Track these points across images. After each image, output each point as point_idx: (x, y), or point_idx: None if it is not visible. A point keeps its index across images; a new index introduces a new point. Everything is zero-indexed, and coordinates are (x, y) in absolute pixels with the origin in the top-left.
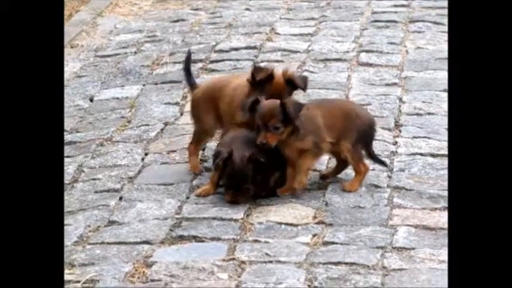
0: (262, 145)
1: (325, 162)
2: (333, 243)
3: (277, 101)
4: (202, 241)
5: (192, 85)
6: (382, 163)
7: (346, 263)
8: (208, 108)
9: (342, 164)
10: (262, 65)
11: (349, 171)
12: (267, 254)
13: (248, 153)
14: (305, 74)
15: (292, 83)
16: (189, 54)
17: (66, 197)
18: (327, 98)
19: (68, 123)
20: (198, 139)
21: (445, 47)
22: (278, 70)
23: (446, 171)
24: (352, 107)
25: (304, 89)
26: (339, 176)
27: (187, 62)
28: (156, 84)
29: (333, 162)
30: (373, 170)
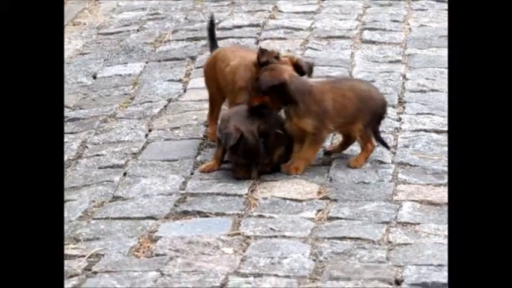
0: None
1: (330, 138)
2: (337, 218)
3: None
4: (207, 216)
5: (212, 49)
6: (385, 145)
7: (351, 238)
8: (212, 78)
9: (348, 141)
10: (267, 48)
11: (353, 148)
12: (271, 229)
13: (254, 126)
14: (310, 59)
15: (299, 68)
16: (211, 19)
17: (70, 173)
18: (342, 76)
19: (71, 100)
20: (210, 106)
21: (447, 24)
22: (282, 53)
23: None
24: (367, 88)
25: (309, 75)
26: (344, 152)
27: (211, 27)
28: (159, 61)
29: (338, 138)
30: (377, 146)
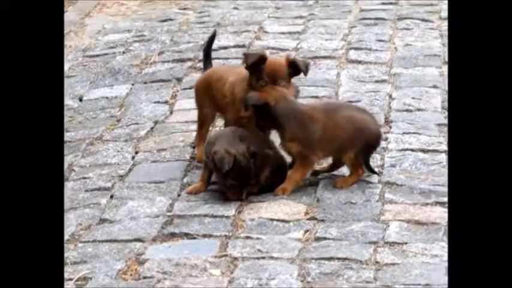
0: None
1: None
2: (325, 238)
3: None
4: (194, 238)
5: (206, 69)
6: (374, 172)
7: (338, 258)
8: (205, 97)
9: (338, 163)
10: (251, 50)
11: (342, 169)
12: (259, 250)
13: (244, 148)
14: (306, 59)
15: (295, 67)
16: (213, 34)
17: None
18: (341, 102)
19: None
20: (199, 127)
21: (433, 43)
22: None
23: (436, 167)
24: (365, 119)
25: (305, 73)
26: (332, 173)
27: (209, 43)
28: (145, 83)
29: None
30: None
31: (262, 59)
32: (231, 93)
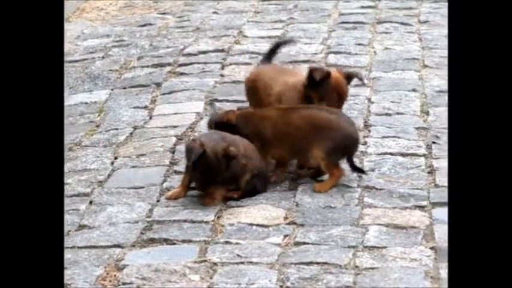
0: None
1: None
2: (304, 243)
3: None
4: (174, 243)
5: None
6: (362, 171)
7: (318, 263)
8: (252, 97)
9: (320, 171)
10: (315, 65)
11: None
12: (238, 255)
13: (221, 147)
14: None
15: (350, 80)
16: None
17: None
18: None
19: None
20: None
21: (412, 47)
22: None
23: (415, 170)
24: (328, 118)
25: (362, 80)
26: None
27: (276, 48)
28: (125, 88)
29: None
30: (351, 173)
31: (328, 75)
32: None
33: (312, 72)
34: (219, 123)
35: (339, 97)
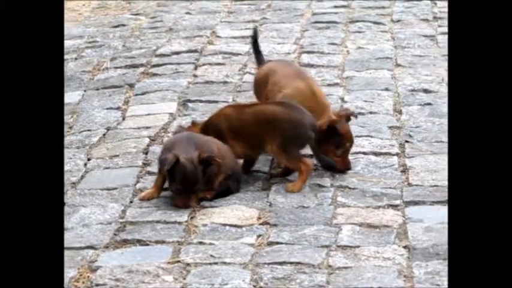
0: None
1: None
2: (277, 243)
3: None
4: (147, 244)
5: (259, 62)
6: (331, 164)
7: (291, 263)
8: (260, 93)
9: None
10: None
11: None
12: (211, 256)
13: (195, 154)
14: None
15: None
16: (255, 32)
17: None
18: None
19: None
20: None
21: (385, 46)
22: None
23: (389, 170)
24: (272, 111)
25: (356, 117)
26: (284, 178)
27: (255, 40)
28: (98, 89)
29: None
30: (316, 169)
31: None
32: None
33: (330, 129)
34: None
35: (348, 146)
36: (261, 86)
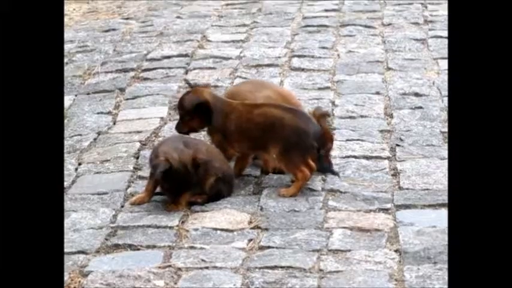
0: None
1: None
2: (268, 247)
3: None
4: (138, 249)
5: None
6: (333, 172)
7: (282, 267)
8: None
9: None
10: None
11: (285, 177)
12: (203, 260)
13: (188, 156)
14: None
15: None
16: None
17: None
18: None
19: None
20: None
21: (375, 50)
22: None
23: (380, 173)
24: (281, 115)
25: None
26: (275, 180)
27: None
28: (88, 94)
29: None
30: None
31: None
32: None
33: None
34: (198, 105)
35: (330, 143)
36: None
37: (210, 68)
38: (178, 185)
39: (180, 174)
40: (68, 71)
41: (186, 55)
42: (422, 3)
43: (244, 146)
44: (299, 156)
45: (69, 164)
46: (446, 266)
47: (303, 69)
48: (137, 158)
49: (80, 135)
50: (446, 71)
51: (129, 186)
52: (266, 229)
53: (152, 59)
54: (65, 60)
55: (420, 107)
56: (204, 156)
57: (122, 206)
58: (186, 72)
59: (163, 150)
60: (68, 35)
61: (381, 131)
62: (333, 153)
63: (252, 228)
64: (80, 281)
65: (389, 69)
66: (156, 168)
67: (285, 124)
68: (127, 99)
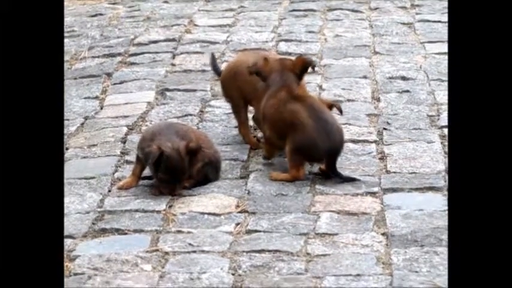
0: None
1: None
2: (256, 231)
3: None
4: (125, 233)
5: (219, 74)
6: (353, 179)
7: (269, 251)
8: (233, 88)
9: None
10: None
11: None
12: (190, 244)
13: (182, 144)
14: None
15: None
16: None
17: None
18: (320, 98)
19: None
20: (237, 114)
21: (363, 34)
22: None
23: (367, 157)
24: (302, 118)
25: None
26: (262, 165)
27: (213, 61)
28: (76, 79)
29: None
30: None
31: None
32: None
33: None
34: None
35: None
36: (230, 82)
37: (197, 52)
38: (174, 174)
39: (173, 161)
40: None
41: (173, 39)
42: None
43: (273, 132)
44: (302, 160)
45: None
46: (433, 249)
47: (290, 54)
48: (124, 142)
49: (67, 120)
50: (433, 55)
51: (116, 171)
52: (253, 213)
53: (139, 44)
54: None
55: (407, 91)
56: (194, 143)
57: (109, 191)
58: (173, 57)
59: (154, 137)
60: None
61: (368, 115)
62: None
63: (239, 212)
64: (67, 265)
65: (376, 53)
66: (147, 156)
67: (304, 131)
68: (114, 84)
